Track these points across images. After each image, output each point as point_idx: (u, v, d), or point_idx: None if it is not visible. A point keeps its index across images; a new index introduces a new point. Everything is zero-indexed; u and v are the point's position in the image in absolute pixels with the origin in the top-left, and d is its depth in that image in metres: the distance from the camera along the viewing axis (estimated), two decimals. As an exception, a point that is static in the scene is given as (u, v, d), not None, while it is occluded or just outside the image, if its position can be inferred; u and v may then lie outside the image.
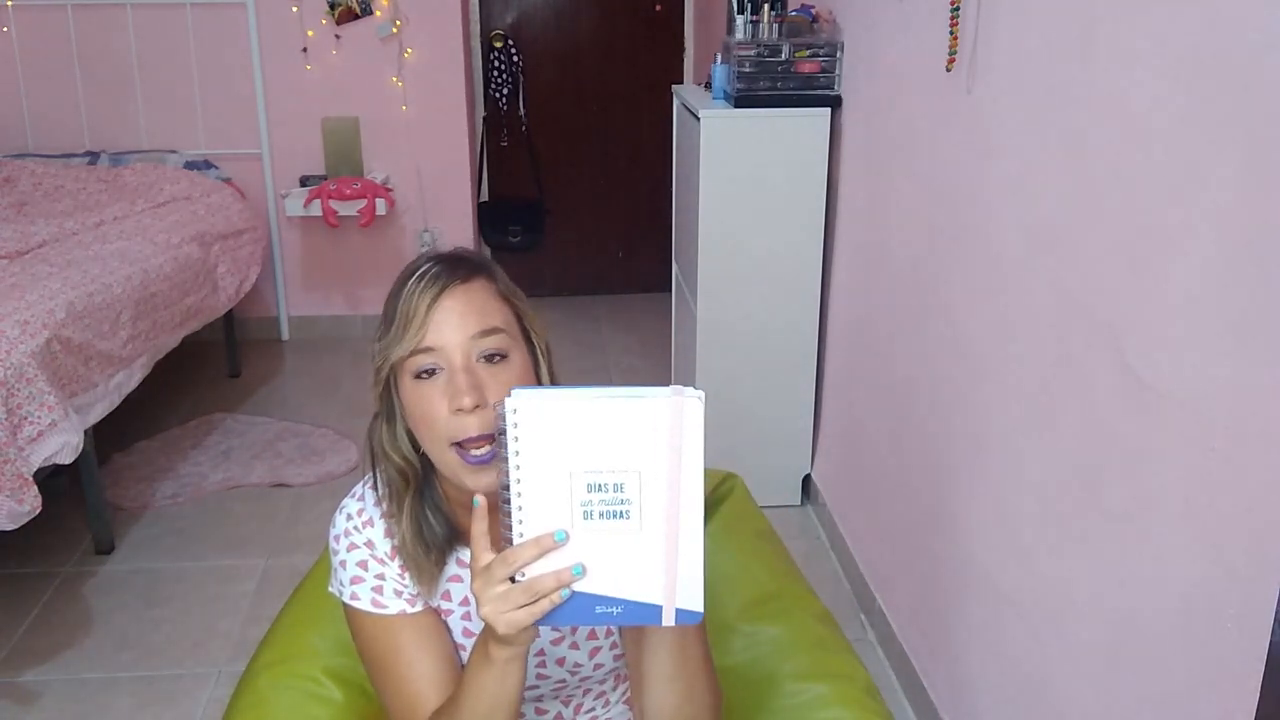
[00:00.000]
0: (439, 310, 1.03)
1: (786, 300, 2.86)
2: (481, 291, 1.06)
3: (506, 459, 0.88)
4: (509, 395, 0.87)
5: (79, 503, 2.84)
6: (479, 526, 0.94)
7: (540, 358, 1.12)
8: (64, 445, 2.44)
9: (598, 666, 1.21)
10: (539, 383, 1.11)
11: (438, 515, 1.15)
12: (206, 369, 4.13)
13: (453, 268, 1.07)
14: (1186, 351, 1.25)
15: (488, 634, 0.97)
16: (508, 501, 0.89)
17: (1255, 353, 1.13)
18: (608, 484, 0.88)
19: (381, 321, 1.08)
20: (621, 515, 0.89)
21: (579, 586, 0.90)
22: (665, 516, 0.89)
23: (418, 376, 1.04)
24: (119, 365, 2.85)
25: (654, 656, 1.04)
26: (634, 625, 0.93)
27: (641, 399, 0.87)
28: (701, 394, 0.87)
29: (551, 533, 0.89)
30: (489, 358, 1.04)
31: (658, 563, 0.90)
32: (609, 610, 0.91)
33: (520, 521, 0.89)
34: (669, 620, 0.92)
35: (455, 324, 1.03)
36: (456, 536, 1.16)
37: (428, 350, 1.03)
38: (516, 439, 0.87)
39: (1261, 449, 1.12)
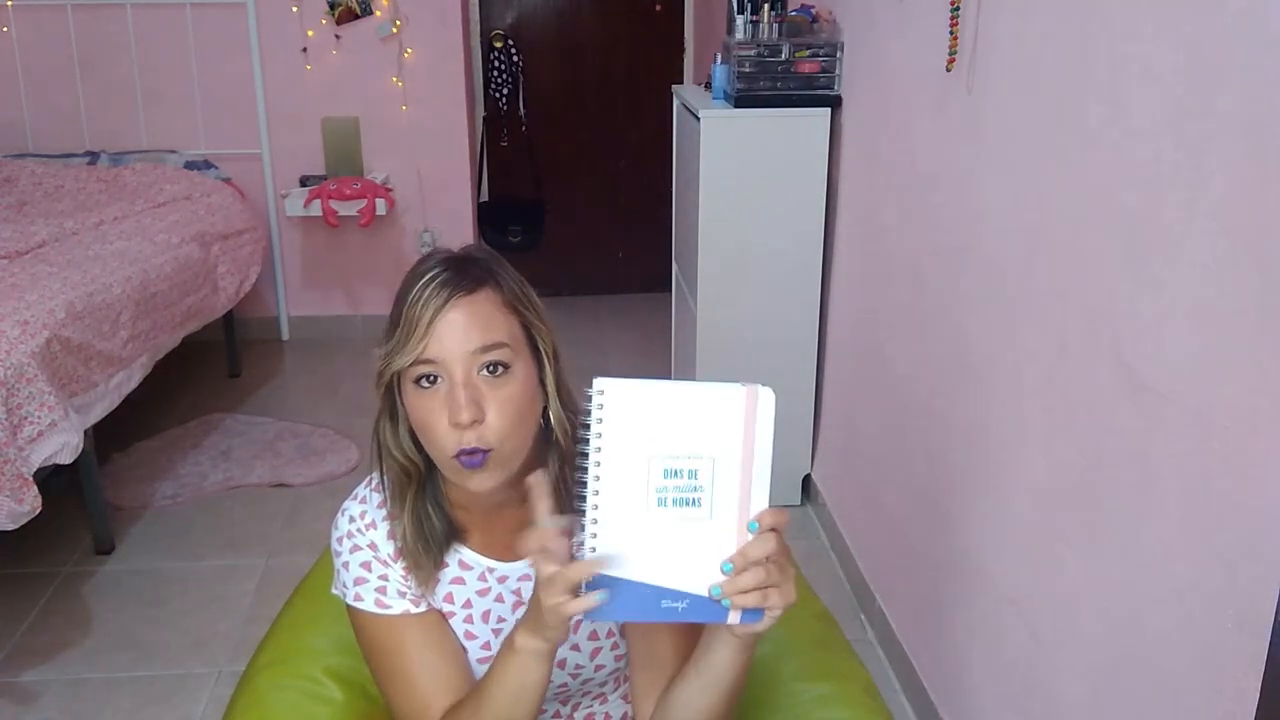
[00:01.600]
0: (441, 323, 1.02)
1: (786, 300, 2.86)
2: (487, 303, 1.05)
3: (588, 440, 0.90)
4: (593, 381, 0.90)
5: (79, 503, 2.84)
6: (542, 506, 0.94)
7: (546, 365, 1.10)
8: (64, 445, 2.44)
9: (599, 668, 1.21)
10: (545, 393, 1.10)
11: (439, 513, 1.15)
12: (206, 369, 4.13)
13: (459, 276, 1.05)
14: (1186, 351, 1.25)
15: (521, 621, 0.98)
16: (583, 484, 0.90)
17: (1255, 353, 1.13)
18: (682, 470, 0.90)
19: (388, 322, 1.07)
20: (694, 503, 0.90)
21: (646, 578, 0.90)
22: (736, 508, 0.91)
23: (417, 383, 1.04)
24: (119, 365, 2.85)
25: (724, 671, 1.02)
26: (698, 622, 0.94)
27: (718, 387, 0.90)
28: (771, 390, 0.90)
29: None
30: (491, 370, 1.04)
31: (726, 557, 0.91)
32: (675, 605, 0.91)
33: (596, 507, 0.90)
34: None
35: (458, 338, 1.02)
36: (455, 535, 1.17)
37: (428, 361, 1.03)
38: (600, 420, 0.89)
39: (1261, 449, 1.12)
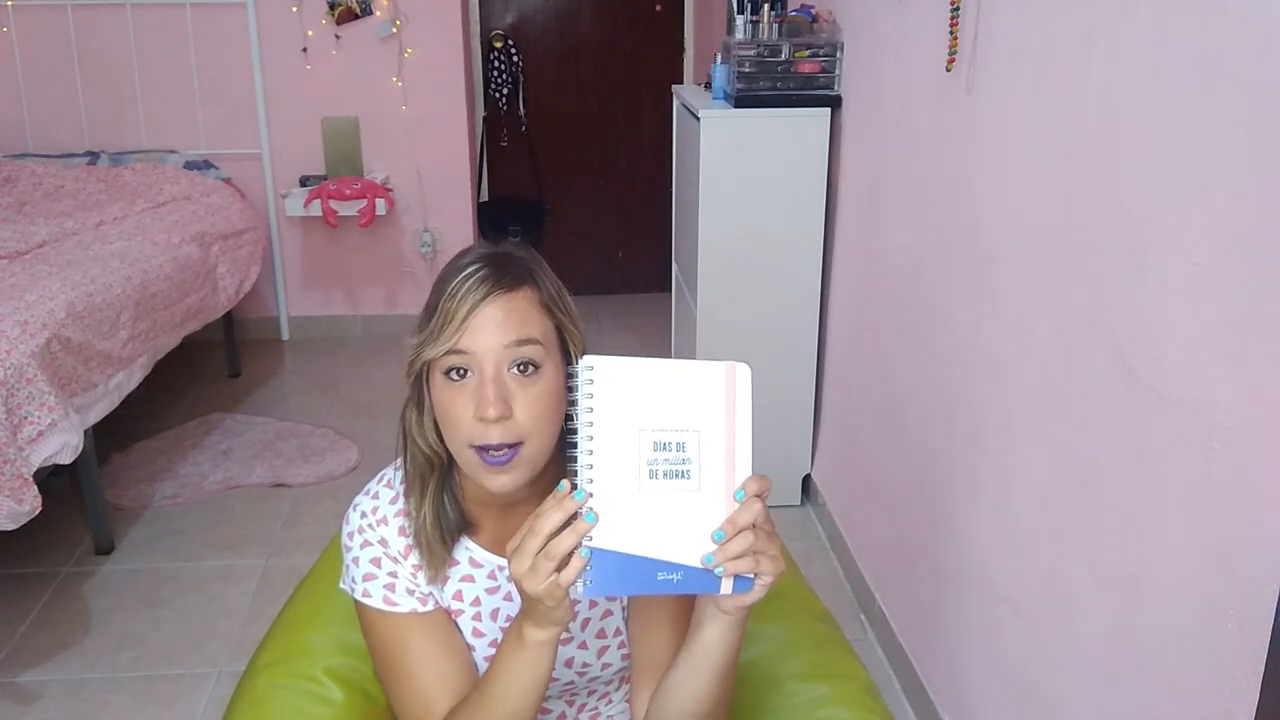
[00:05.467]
0: (478, 316, 1.03)
1: (786, 300, 2.86)
2: (524, 301, 1.06)
3: (576, 417, 0.92)
4: (581, 357, 0.92)
5: (79, 503, 2.84)
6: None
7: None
8: (64, 445, 2.44)
9: (605, 666, 1.21)
10: (570, 395, 1.10)
11: (453, 504, 1.16)
12: (206, 369, 4.14)
13: (500, 272, 1.05)
14: (1186, 351, 1.25)
15: (523, 616, 0.99)
16: (574, 460, 0.92)
17: (1255, 353, 1.13)
18: (671, 443, 0.93)
19: (423, 312, 1.08)
20: (683, 475, 0.93)
21: (642, 551, 0.92)
22: (723, 478, 0.93)
23: (447, 374, 1.04)
24: (119, 365, 2.85)
25: (714, 651, 1.03)
26: (692, 594, 0.96)
27: (699, 363, 0.94)
28: (748, 366, 0.95)
29: (571, 494, 0.92)
30: (521, 368, 1.04)
31: (716, 527, 0.93)
32: (670, 577, 0.93)
33: (591, 480, 0.91)
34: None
35: (492, 332, 1.03)
36: (465, 527, 1.17)
37: (460, 353, 1.03)
38: (590, 395, 0.92)
39: (1261, 449, 1.12)
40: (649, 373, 0.93)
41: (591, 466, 0.91)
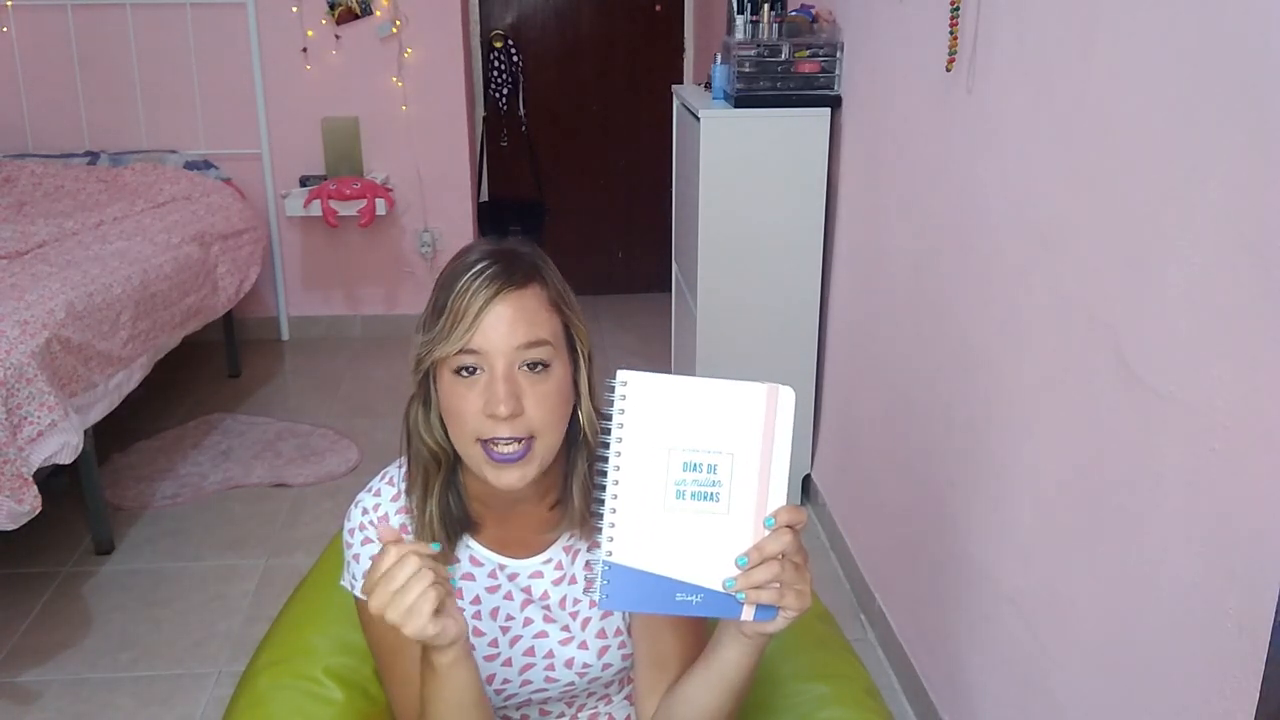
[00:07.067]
0: (489, 315, 1.03)
1: (786, 300, 2.86)
2: (534, 300, 1.05)
3: (609, 430, 0.91)
4: (616, 373, 0.91)
5: (79, 503, 2.84)
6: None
7: (582, 365, 1.11)
8: (64, 445, 2.44)
9: (606, 667, 1.21)
10: (577, 393, 1.10)
11: (457, 502, 1.16)
12: (206, 369, 4.13)
13: (509, 270, 1.05)
14: (1186, 351, 1.25)
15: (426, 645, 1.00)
16: (603, 474, 0.92)
17: (1255, 353, 1.13)
18: (702, 464, 0.91)
19: (429, 309, 1.07)
20: (711, 498, 0.92)
21: (662, 570, 0.91)
22: (754, 505, 0.92)
23: (457, 372, 1.04)
24: (119, 365, 2.85)
25: (731, 670, 1.03)
26: (710, 617, 0.95)
27: (740, 384, 0.92)
28: (792, 390, 0.92)
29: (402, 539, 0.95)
30: (531, 367, 1.04)
31: (741, 552, 0.91)
32: (689, 599, 0.92)
33: (615, 497, 0.91)
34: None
35: (504, 331, 1.03)
36: (468, 524, 1.17)
37: (472, 352, 1.03)
38: (622, 411, 0.91)
39: (1261, 449, 1.12)
40: (684, 391, 0.91)
41: (617, 483, 0.90)
